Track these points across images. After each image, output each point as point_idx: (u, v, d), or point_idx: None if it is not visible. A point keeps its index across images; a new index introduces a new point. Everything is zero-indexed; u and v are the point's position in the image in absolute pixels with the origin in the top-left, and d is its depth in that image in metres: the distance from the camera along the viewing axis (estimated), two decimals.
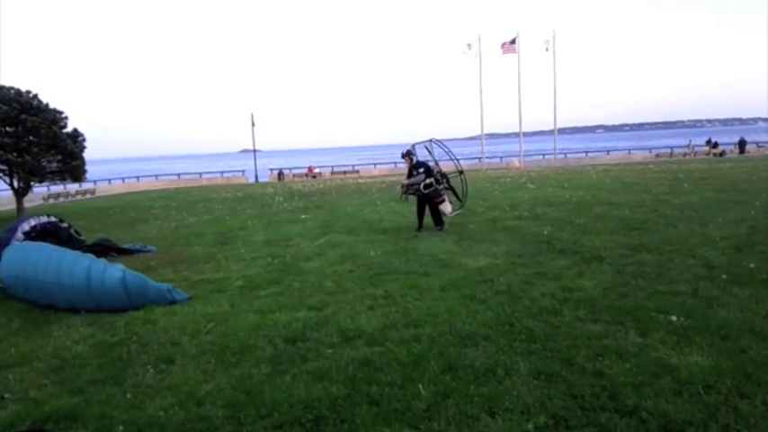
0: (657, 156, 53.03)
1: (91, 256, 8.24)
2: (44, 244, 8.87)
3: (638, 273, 7.43)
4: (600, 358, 4.67)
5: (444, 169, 13.36)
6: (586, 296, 6.50)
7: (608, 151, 64.84)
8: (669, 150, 55.01)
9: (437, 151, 13.44)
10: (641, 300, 6.24)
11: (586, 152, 65.80)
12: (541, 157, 60.36)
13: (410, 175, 12.63)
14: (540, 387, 4.23)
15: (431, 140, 13.32)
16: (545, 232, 10.94)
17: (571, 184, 22.28)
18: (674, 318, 5.49)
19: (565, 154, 61.22)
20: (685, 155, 50.67)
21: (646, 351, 4.77)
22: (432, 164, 12.83)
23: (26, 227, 10.68)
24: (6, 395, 4.81)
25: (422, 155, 13.03)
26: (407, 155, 12.75)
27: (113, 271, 7.51)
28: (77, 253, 8.33)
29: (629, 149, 65.72)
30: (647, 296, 6.36)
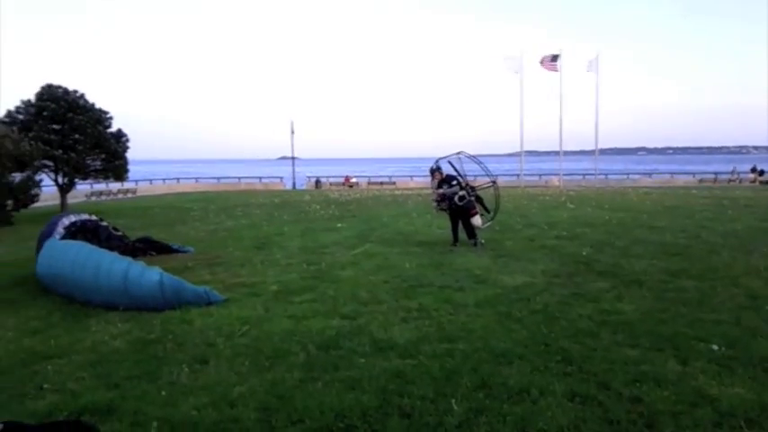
0: (701, 181, 51.93)
1: (129, 258, 8.37)
2: (84, 243, 9.03)
3: (678, 299, 7.29)
4: (637, 384, 4.59)
5: (478, 182, 13.28)
6: (625, 320, 6.40)
7: (650, 174, 63.78)
8: (713, 176, 53.86)
9: (470, 166, 13.35)
10: (681, 327, 6.10)
11: (627, 174, 64.82)
12: (581, 177, 59.61)
13: (440, 188, 12.60)
14: (574, 409, 4.17)
15: (459, 154, 13.23)
16: (584, 253, 10.80)
17: (611, 206, 21.95)
18: (715, 347, 5.37)
19: (605, 175, 60.37)
20: (730, 181, 49.53)
21: (685, 379, 4.67)
22: (460, 178, 12.73)
23: (66, 222, 10.94)
24: (45, 385, 4.92)
25: (446, 169, 12.95)
26: (437, 170, 12.71)
27: (151, 274, 7.61)
28: (116, 255, 8.46)
29: (672, 173, 64.48)
30: (687, 323, 6.23)
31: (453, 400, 4.32)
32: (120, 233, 12.76)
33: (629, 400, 4.32)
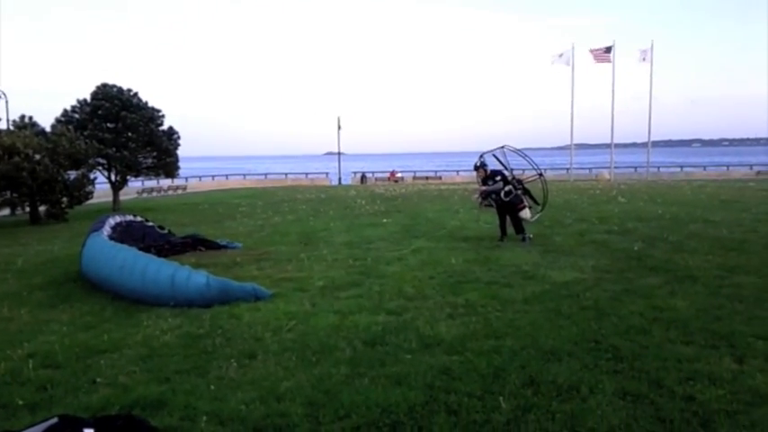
0: (758, 173, 50.20)
1: (176, 264, 8.41)
2: (130, 248, 9.07)
3: (734, 295, 7.04)
4: (691, 382, 4.45)
5: (525, 176, 13.09)
6: (678, 317, 6.21)
7: (704, 167, 61.96)
8: None
9: (517, 160, 13.16)
10: (738, 324, 5.90)
11: (681, 167, 63.13)
12: (633, 170, 58.36)
13: (485, 184, 12.40)
14: (626, 408, 4.07)
15: (502, 147, 13.04)
16: (635, 248, 10.54)
17: (664, 200, 21.41)
18: None
19: (658, 168, 58.91)
20: None
21: (741, 378, 4.51)
22: (506, 172, 12.53)
23: (113, 222, 11.34)
24: (98, 379, 5.03)
25: (491, 163, 12.74)
26: (481, 167, 12.50)
27: (198, 277, 7.67)
28: (162, 260, 8.47)
29: (728, 165, 62.44)
30: (744, 321, 6.02)
31: (501, 398, 4.26)
32: (165, 231, 13.12)
33: (683, 398, 4.19)
